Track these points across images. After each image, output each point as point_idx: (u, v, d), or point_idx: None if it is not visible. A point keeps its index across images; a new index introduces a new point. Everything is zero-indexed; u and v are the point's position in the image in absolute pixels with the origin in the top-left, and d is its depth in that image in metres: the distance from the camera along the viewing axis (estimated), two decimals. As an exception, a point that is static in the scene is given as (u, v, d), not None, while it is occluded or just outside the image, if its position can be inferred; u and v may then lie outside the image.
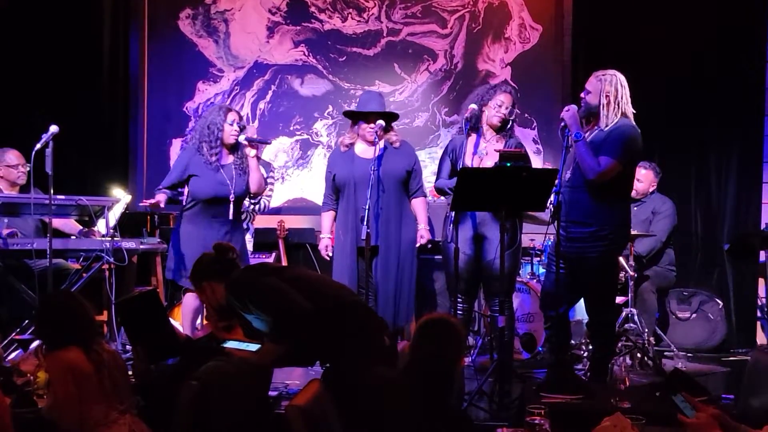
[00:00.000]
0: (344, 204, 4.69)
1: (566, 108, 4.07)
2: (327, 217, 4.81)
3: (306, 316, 3.11)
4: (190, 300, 4.65)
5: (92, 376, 2.96)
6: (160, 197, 4.70)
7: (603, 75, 4.04)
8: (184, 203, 4.81)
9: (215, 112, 4.76)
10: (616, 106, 4.00)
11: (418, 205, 4.74)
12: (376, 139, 4.55)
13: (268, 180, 5.59)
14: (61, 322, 3.02)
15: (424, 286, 5.15)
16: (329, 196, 4.80)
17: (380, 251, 4.57)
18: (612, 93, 4.00)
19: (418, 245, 4.65)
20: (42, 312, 3.21)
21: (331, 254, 4.73)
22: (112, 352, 3.15)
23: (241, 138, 4.68)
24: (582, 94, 4.13)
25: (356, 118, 4.74)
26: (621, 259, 4.73)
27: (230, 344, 3.25)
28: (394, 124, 4.81)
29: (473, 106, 4.35)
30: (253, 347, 3.19)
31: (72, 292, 3.71)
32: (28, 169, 5.20)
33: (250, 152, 4.70)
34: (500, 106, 4.33)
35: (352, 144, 4.74)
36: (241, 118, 4.83)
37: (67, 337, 3.00)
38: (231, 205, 4.65)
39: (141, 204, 4.84)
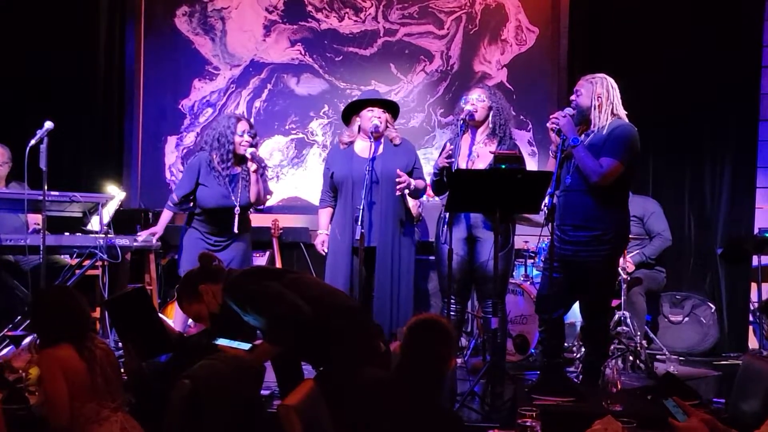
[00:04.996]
0: (342, 203, 4.62)
1: (562, 114, 4.05)
2: (324, 214, 4.79)
3: (305, 322, 3.12)
4: None
5: (84, 374, 2.96)
6: (158, 228, 4.93)
7: (593, 78, 4.07)
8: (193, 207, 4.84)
9: (225, 121, 4.77)
10: (609, 107, 4.02)
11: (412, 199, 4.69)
12: (378, 126, 4.51)
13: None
14: (55, 318, 3.01)
15: (417, 286, 5.13)
16: (327, 193, 4.77)
17: (378, 253, 4.52)
18: (604, 95, 4.02)
19: (398, 180, 4.42)
20: (36, 308, 3.20)
21: (326, 250, 4.70)
22: (105, 349, 3.14)
23: (248, 152, 4.69)
24: (572, 97, 4.14)
25: (358, 108, 4.67)
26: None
27: (221, 341, 3.26)
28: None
29: (468, 107, 4.36)
30: (245, 346, 3.19)
31: (67, 287, 3.69)
32: (9, 165, 5.21)
33: (252, 166, 4.72)
34: (477, 99, 4.37)
35: (352, 142, 4.69)
36: (251, 126, 4.83)
37: (60, 333, 2.99)
38: (236, 218, 4.67)
39: (139, 236, 5.02)
